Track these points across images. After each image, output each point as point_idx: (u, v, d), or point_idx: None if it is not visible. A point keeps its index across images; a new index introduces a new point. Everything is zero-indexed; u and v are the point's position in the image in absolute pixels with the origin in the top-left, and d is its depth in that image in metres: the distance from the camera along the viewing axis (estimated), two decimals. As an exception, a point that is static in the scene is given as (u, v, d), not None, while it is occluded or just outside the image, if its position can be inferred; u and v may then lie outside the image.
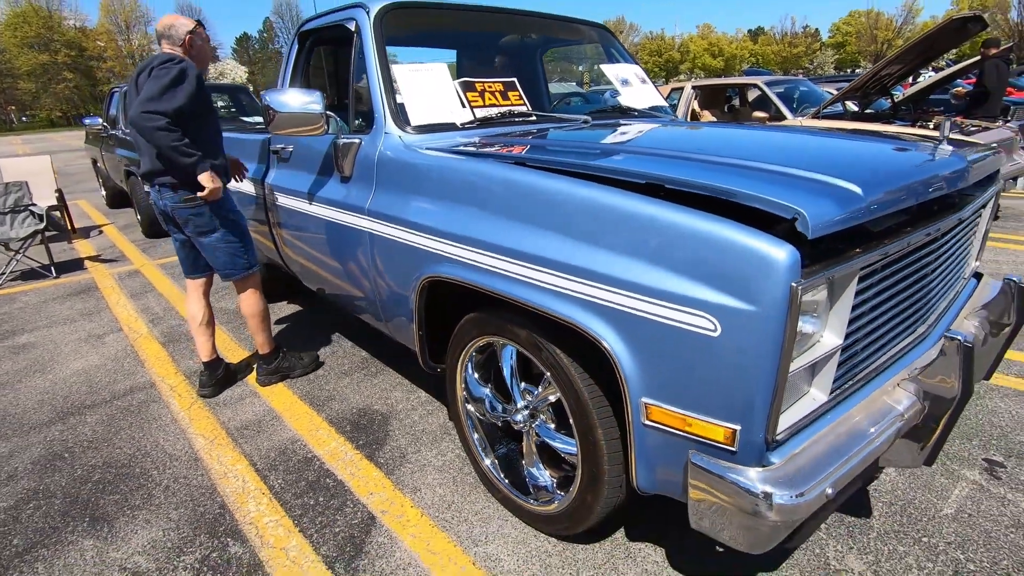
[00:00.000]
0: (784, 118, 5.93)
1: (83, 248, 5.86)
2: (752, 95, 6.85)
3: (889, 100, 6.72)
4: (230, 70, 66.24)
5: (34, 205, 4.97)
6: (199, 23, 2.34)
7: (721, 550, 1.64)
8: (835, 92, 6.05)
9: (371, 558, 1.67)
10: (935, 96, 8.18)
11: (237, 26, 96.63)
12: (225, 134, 3.19)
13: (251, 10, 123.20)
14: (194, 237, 2.41)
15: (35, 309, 4.04)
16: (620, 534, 1.71)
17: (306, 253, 2.65)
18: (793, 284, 1.00)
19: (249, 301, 2.57)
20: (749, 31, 75.77)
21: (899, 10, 60.31)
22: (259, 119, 7.70)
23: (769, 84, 6.36)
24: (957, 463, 1.96)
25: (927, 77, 8.61)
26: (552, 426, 1.67)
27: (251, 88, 9.13)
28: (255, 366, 2.80)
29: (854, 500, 1.80)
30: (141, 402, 2.65)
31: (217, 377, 2.68)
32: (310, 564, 1.65)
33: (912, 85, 8.19)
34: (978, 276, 2.13)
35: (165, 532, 1.81)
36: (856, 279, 1.17)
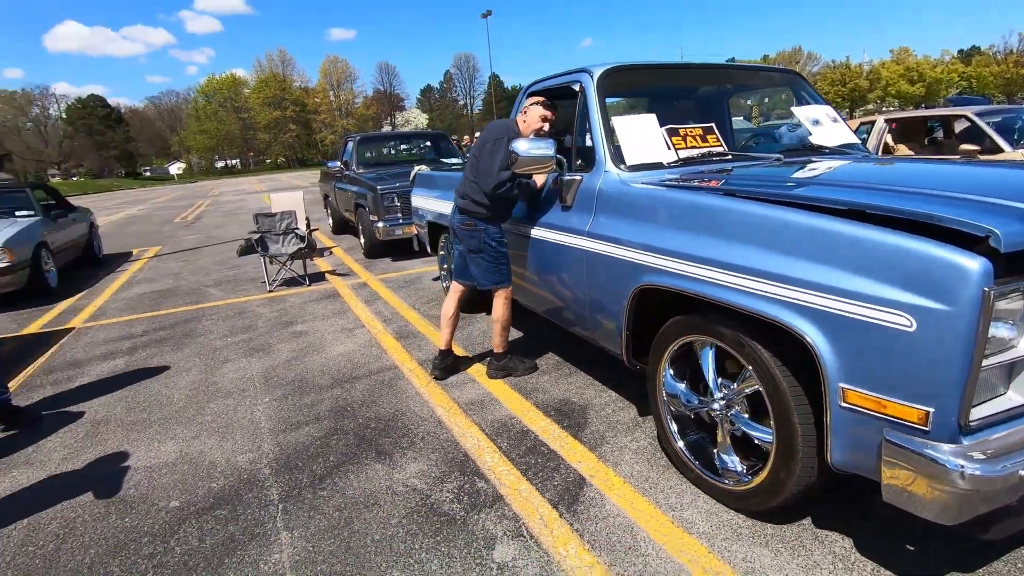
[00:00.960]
0: (1000, 151, 5.40)
1: (322, 264, 7.31)
2: (960, 127, 6.30)
3: None
4: (414, 118, 74.93)
5: (298, 229, 6.42)
6: (551, 107, 2.99)
7: (912, 548, 1.77)
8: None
9: (586, 505, 2.09)
10: None
11: (423, 78, 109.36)
12: (457, 174, 3.98)
13: (435, 64, 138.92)
14: (465, 251, 3.13)
15: (300, 308, 5.25)
16: (807, 520, 1.92)
17: (520, 268, 3.23)
18: (986, 289, 1.23)
19: (498, 310, 3.19)
20: (960, 52, 66.36)
21: None
22: (455, 160, 8.93)
23: (981, 114, 5.83)
24: None
25: None
26: (746, 415, 1.96)
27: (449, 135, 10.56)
28: (487, 361, 3.40)
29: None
30: (390, 379, 3.42)
31: (447, 364, 3.35)
32: (538, 502, 2.12)
33: None
34: None
35: (428, 467, 2.42)
36: (1054, 293, 1.33)
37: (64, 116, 64.78)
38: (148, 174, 67.31)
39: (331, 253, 8.14)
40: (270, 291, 5.95)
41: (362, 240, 7.63)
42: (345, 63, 71.87)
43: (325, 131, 70.41)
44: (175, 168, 70.45)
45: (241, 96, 68.33)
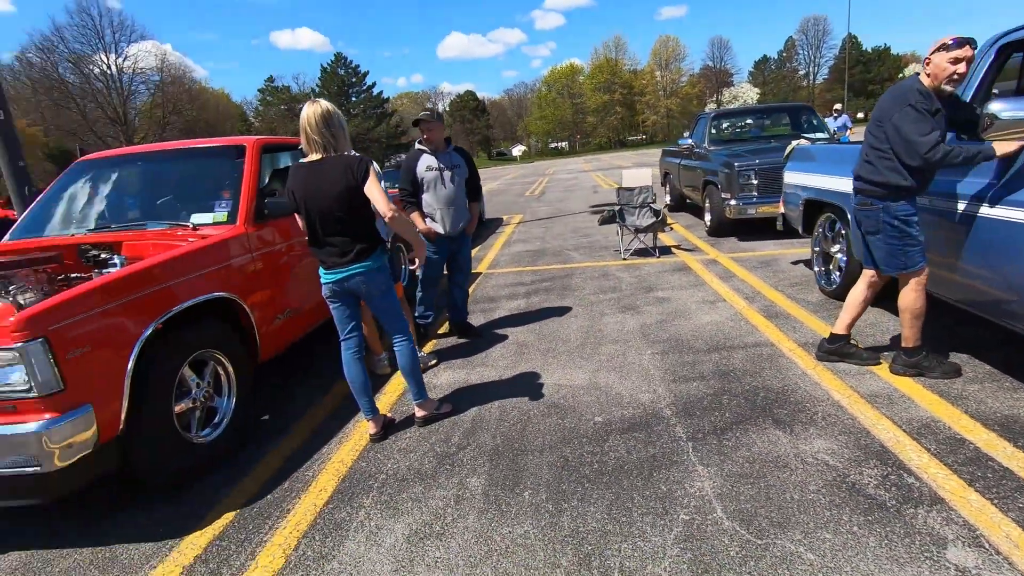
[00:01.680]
0: None
1: (665, 239, 7.58)
2: None
3: None
4: (743, 93, 69.88)
5: (653, 204, 6.79)
6: (965, 42, 2.53)
7: None
8: None
9: (1076, 542, 1.72)
10: None
11: (757, 50, 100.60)
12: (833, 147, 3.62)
13: (772, 34, 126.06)
14: (864, 233, 2.89)
15: (656, 276, 5.58)
16: None
17: (942, 251, 2.78)
18: None
19: (906, 297, 2.84)
20: None
21: None
22: (820, 136, 8.05)
23: None
24: None
25: None
26: None
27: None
28: (892, 355, 3.04)
29: None
30: (769, 354, 3.38)
31: (834, 348, 3.14)
32: (999, 519, 1.84)
33: None
34: None
35: (838, 447, 2.34)
36: None
37: (447, 109, 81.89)
38: (505, 155, 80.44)
39: (672, 229, 8.36)
40: (624, 259, 6.48)
41: (707, 218, 7.60)
42: (676, 41, 71.26)
43: (647, 112, 71.67)
44: (516, 150, 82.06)
45: (576, 83, 74.67)
